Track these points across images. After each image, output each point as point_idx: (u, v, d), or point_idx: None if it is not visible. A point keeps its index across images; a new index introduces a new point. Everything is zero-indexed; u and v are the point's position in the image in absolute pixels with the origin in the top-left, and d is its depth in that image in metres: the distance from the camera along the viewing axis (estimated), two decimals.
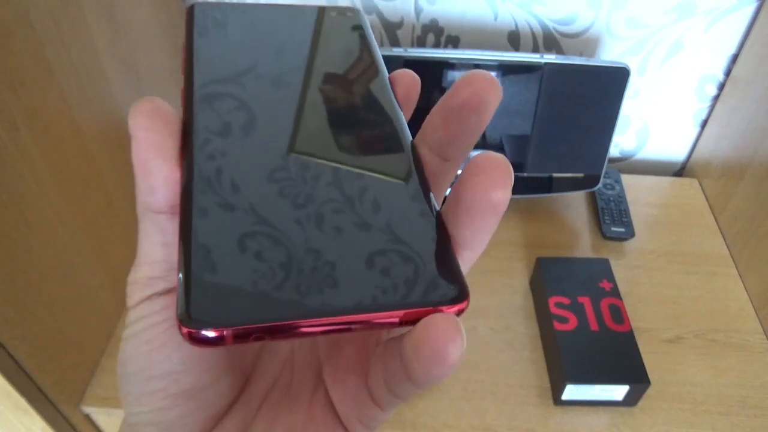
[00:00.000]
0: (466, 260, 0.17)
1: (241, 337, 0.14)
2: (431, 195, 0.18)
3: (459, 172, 0.17)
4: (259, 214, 0.16)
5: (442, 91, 0.67)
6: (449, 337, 0.14)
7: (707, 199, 0.82)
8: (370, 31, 0.23)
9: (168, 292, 0.19)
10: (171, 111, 0.17)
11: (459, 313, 0.15)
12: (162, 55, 0.72)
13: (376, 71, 0.21)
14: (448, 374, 0.14)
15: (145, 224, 0.18)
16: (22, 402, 0.50)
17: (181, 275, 0.15)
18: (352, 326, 0.15)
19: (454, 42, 0.81)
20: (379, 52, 0.22)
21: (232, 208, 0.16)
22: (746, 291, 0.70)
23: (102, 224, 0.59)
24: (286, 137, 0.18)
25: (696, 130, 0.87)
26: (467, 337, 0.64)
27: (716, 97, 0.83)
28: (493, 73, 0.66)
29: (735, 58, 0.79)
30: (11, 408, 0.50)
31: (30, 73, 0.47)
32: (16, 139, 0.46)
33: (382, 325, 0.15)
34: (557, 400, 0.58)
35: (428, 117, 0.19)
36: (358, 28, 0.23)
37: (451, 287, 0.15)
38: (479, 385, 0.60)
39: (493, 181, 0.16)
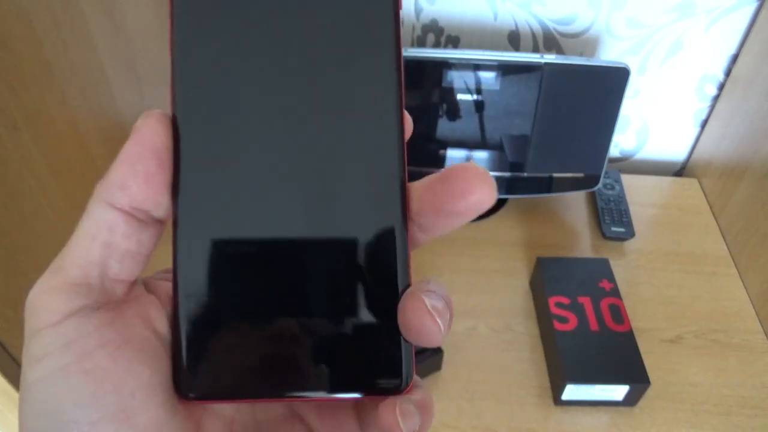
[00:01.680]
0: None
1: (221, 402, 0.19)
2: (407, 273, 0.18)
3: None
4: (244, 292, 0.18)
5: (442, 91, 0.67)
6: (396, 422, 0.17)
7: (707, 199, 0.82)
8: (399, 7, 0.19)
9: (102, 307, 0.16)
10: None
11: (406, 392, 0.18)
12: (162, 55, 0.72)
13: (392, 82, 0.18)
14: None
15: (93, 218, 0.16)
16: None
17: (179, 347, 0.17)
18: (309, 401, 0.19)
19: (454, 42, 0.81)
20: (400, 40, 0.18)
21: (220, 284, 0.18)
22: (746, 291, 0.70)
23: None
24: (275, 178, 0.18)
25: (696, 130, 0.87)
26: (468, 336, 0.64)
27: (716, 97, 0.83)
28: (492, 74, 0.66)
29: (735, 58, 0.79)
30: (11, 407, 0.50)
31: (30, 73, 0.47)
32: (16, 139, 0.46)
33: (334, 402, 0.19)
34: (557, 400, 0.58)
35: (415, 196, 0.18)
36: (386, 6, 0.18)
37: (398, 377, 0.18)
38: (479, 385, 0.60)
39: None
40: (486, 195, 0.17)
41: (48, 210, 0.51)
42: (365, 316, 0.18)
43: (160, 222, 0.18)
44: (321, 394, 0.18)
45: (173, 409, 0.17)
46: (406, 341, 0.18)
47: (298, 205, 0.18)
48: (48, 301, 0.16)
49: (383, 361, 0.18)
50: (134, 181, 0.16)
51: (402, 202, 0.18)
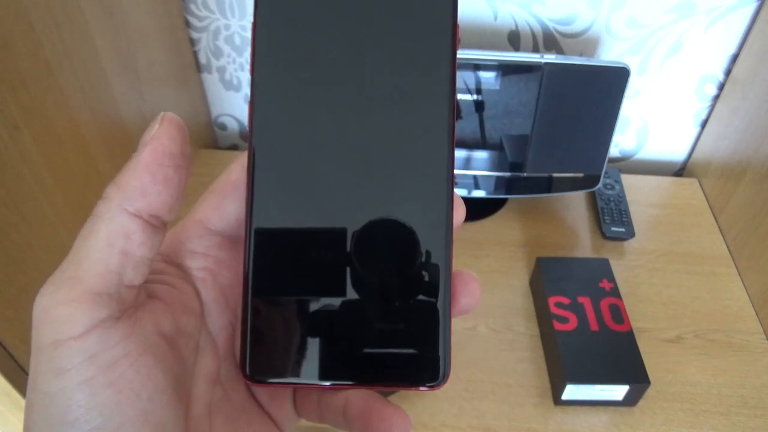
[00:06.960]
0: None
1: (283, 386, 0.21)
2: (449, 278, 0.20)
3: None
4: (309, 284, 0.20)
5: None
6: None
7: (707, 199, 0.82)
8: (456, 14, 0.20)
9: (122, 316, 0.16)
10: (188, 136, 0.18)
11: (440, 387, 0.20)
12: (162, 55, 0.72)
13: (447, 106, 0.20)
14: None
15: (109, 225, 0.16)
16: (23, 402, 0.50)
17: (247, 334, 0.20)
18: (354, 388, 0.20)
19: None
20: (456, 57, 0.20)
21: (286, 274, 0.20)
22: (746, 291, 0.70)
23: None
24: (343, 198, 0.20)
25: (696, 130, 0.87)
26: (468, 336, 0.64)
27: (716, 97, 0.83)
28: (492, 74, 0.66)
29: (735, 58, 0.79)
30: (11, 408, 0.50)
31: (30, 73, 0.47)
32: (16, 139, 0.46)
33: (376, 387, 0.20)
34: (557, 400, 0.58)
35: None
36: (446, 13, 0.20)
37: (437, 372, 0.20)
38: (479, 385, 0.60)
39: None
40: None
41: (48, 210, 0.51)
42: (418, 313, 0.20)
43: (167, 225, 0.18)
44: (371, 383, 0.20)
45: (176, 404, 0.18)
46: (447, 338, 0.20)
47: (360, 205, 0.20)
48: (69, 313, 0.15)
49: (427, 357, 0.20)
50: (154, 189, 0.17)
51: (449, 208, 0.20)
